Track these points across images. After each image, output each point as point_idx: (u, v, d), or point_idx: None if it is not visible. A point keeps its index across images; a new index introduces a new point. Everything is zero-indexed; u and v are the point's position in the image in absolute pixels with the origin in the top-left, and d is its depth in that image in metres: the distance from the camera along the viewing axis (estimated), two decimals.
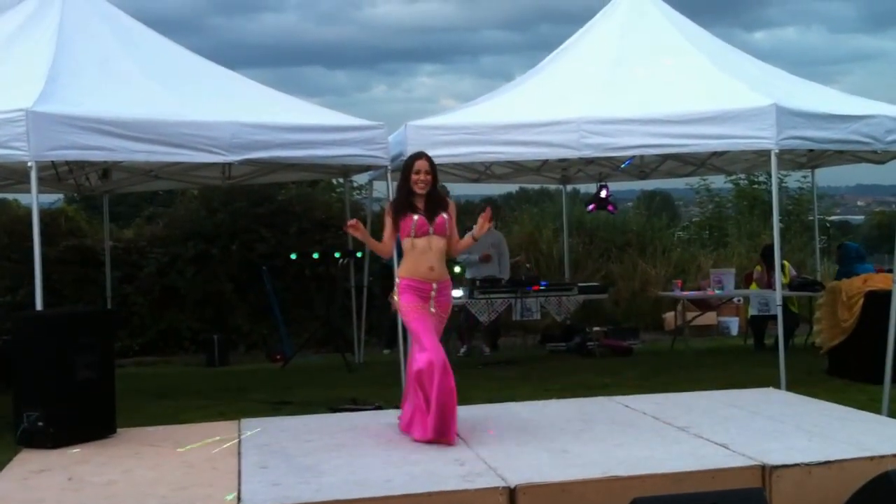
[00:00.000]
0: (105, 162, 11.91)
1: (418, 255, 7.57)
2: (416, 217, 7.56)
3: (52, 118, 9.19)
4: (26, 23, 10.90)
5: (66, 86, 9.81)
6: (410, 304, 7.55)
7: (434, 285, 7.58)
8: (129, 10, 11.86)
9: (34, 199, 9.28)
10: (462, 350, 15.09)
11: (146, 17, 12.18)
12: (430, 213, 7.60)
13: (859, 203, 72.77)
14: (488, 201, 17.63)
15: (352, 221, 7.78)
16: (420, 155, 7.81)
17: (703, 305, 17.19)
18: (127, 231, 18.49)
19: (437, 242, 7.61)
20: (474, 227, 7.84)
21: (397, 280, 7.72)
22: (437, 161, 10.75)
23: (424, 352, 7.33)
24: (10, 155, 9.21)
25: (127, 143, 9.61)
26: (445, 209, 7.72)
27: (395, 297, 7.69)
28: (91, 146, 9.51)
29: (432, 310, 7.57)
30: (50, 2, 11.04)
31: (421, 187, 7.60)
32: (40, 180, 9.67)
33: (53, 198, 18.38)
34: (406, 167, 7.74)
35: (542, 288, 14.00)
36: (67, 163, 12.38)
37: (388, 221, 7.75)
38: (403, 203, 7.65)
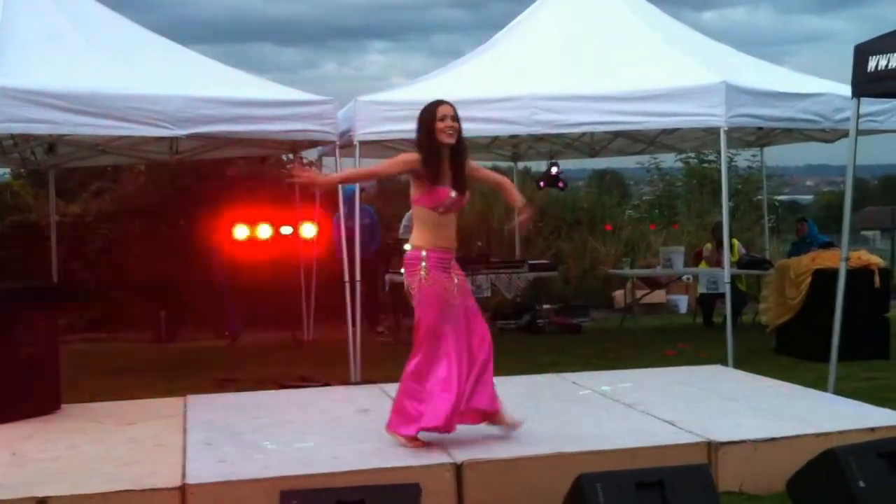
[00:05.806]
0: (50, 135, 11.79)
1: (439, 224, 6.54)
2: (453, 193, 6.51)
3: None
4: None
5: (12, 59, 9.66)
6: (436, 285, 6.53)
7: (453, 256, 6.68)
8: None
9: None
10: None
11: None
12: (461, 189, 6.59)
13: (808, 183, 73.52)
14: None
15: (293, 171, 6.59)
16: (441, 101, 6.67)
17: (653, 283, 17.27)
18: (73, 206, 18.27)
19: (455, 217, 6.69)
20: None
21: (423, 253, 6.53)
22: (385, 137, 10.69)
23: (446, 390, 6.42)
24: None
25: (72, 116, 9.48)
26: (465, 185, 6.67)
27: (420, 274, 6.53)
28: (35, 119, 9.38)
29: (456, 282, 6.62)
30: None
31: (450, 135, 6.52)
32: None
33: None
34: (428, 117, 6.62)
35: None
36: (12, 136, 12.24)
37: (406, 162, 6.64)
38: (435, 168, 6.55)
